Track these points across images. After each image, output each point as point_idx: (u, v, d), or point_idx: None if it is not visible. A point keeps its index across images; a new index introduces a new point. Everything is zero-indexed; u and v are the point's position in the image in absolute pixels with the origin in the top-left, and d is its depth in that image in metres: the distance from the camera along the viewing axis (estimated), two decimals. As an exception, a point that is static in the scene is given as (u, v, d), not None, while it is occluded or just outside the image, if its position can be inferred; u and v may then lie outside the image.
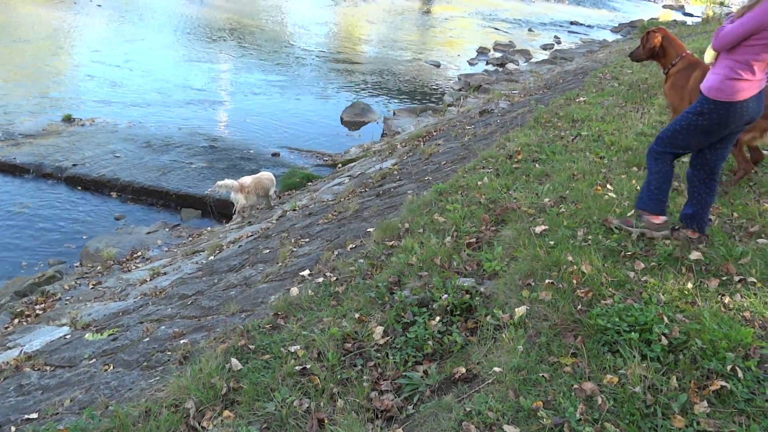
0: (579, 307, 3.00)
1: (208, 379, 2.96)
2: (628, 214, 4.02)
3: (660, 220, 3.78)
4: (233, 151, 12.02)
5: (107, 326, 5.08)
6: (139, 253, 8.41)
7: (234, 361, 3.11)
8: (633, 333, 2.75)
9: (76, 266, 8.39)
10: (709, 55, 3.59)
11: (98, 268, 8.06)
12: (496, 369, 2.65)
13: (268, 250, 5.66)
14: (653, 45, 4.99)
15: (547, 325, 2.94)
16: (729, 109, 3.41)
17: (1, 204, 9.82)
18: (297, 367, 2.98)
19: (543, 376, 2.59)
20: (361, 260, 4.05)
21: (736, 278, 3.36)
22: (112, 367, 3.83)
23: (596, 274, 3.32)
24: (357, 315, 3.41)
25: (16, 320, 6.81)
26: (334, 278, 3.96)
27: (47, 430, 2.72)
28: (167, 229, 9.31)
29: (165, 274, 6.76)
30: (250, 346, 3.24)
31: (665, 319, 2.85)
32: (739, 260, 3.54)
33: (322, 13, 28.17)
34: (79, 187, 10.46)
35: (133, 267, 7.96)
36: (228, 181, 8.99)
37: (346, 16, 28.26)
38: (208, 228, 9.38)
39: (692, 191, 3.80)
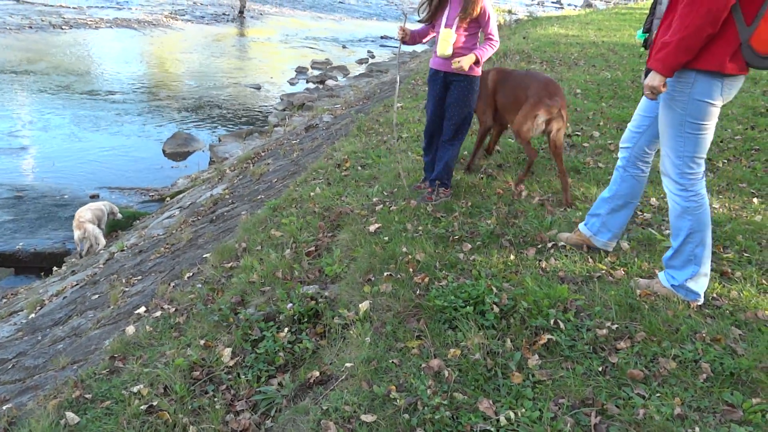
0: (418, 292, 3.15)
1: (40, 440, 2.67)
2: (428, 191, 4.54)
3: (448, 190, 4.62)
4: (44, 199, 10.96)
5: None
6: (-58, 327, 7.35)
7: (69, 414, 2.83)
8: (468, 307, 2.94)
9: None
10: (446, 48, 4.26)
11: None
12: (348, 364, 2.70)
13: (97, 296, 5.24)
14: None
15: (391, 315, 3.05)
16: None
17: None
18: (142, 407, 2.79)
19: (393, 362, 2.68)
20: (200, 286, 3.90)
21: (549, 245, 3.73)
22: None
23: (430, 259, 3.51)
24: (202, 341, 3.27)
25: None
26: (173, 309, 3.77)
27: None
28: (-25, 295, 8.24)
29: (-23, 343, 5.98)
30: (87, 396, 2.98)
31: (494, 289, 3.08)
32: (549, 229, 3.94)
33: (129, 45, 26.73)
34: None
35: (-64, 343, 6.94)
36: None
37: (156, 46, 27.08)
38: (25, 286, 8.45)
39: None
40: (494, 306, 2.97)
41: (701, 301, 3.08)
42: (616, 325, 2.85)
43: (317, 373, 2.80)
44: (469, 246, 3.72)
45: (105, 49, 26.11)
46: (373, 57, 27.77)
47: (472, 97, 4.46)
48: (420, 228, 4.00)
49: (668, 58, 2.75)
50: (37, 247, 9.37)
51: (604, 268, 3.43)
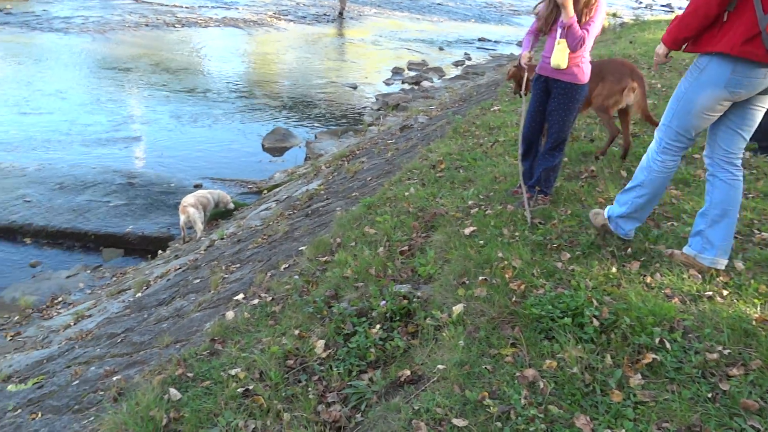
0: (513, 299, 3.09)
1: (146, 412, 2.83)
2: (526, 197, 4.41)
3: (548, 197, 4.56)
4: (153, 186, 11.65)
5: (31, 375, 4.78)
6: (60, 299, 7.98)
7: (173, 390, 2.99)
8: (566, 318, 2.85)
9: (-10, 319, 7.86)
10: (562, 60, 4.12)
11: (15, 318, 7.58)
12: (440, 366, 2.69)
13: (198, 280, 5.51)
14: (510, 76, 5.92)
15: (485, 320, 3.01)
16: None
17: None
18: (239, 390, 2.91)
19: (486, 368, 2.64)
20: (296, 277, 4.01)
21: (655, 259, 3.55)
22: (40, 415, 3.60)
23: (526, 266, 3.43)
24: (297, 332, 3.36)
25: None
26: (270, 298, 3.90)
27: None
28: (89, 271, 8.88)
29: (90, 316, 6.44)
30: (189, 375, 3.14)
31: (594, 302, 2.97)
32: (656, 243, 3.75)
33: (234, 43, 27.94)
34: (-13, 237, 9.84)
35: (55, 313, 7.54)
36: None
37: (260, 44, 28.18)
38: (133, 266, 9.02)
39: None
40: (594, 319, 2.86)
41: (629, 236, 3.64)
42: (729, 350, 2.66)
43: (408, 372, 2.81)
44: (568, 255, 3.60)
45: (212, 46, 27.43)
46: (469, 59, 27.56)
47: (574, 106, 4.31)
48: (516, 234, 3.92)
49: (672, 32, 3.15)
50: (144, 231, 9.98)
51: (716, 288, 3.22)
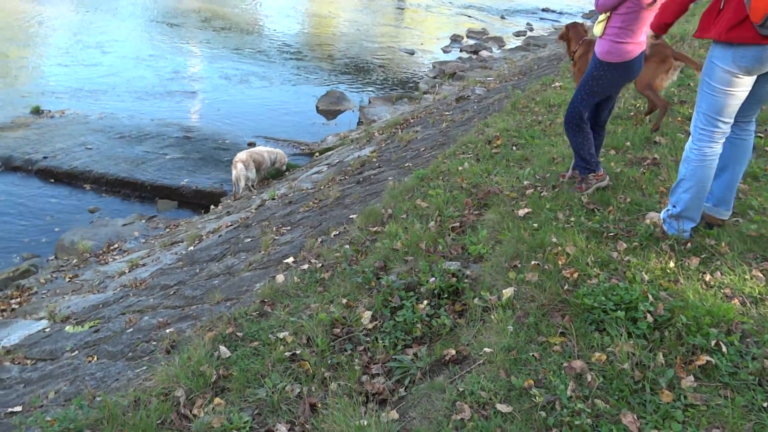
0: (566, 287, 3.04)
1: (197, 366, 2.93)
2: (576, 184, 4.33)
3: (600, 174, 4.30)
4: (208, 141, 11.88)
5: (87, 318, 5.01)
6: (116, 245, 8.29)
7: (222, 348, 3.09)
8: (619, 311, 2.79)
9: (51, 260, 8.24)
10: (597, 29, 3.98)
11: (74, 261, 7.92)
12: (487, 349, 2.68)
13: (249, 239, 5.62)
14: (561, 37, 5.74)
15: (535, 306, 2.97)
16: (620, 69, 3.96)
17: (-31, 199, 9.58)
18: (287, 353, 2.97)
19: (533, 355, 2.62)
20: (347, 246, 4.04)
21: (715, 256, 3.43)
22: (96, 359, 3.78)
23: (581, 254, 3.37)
24: (344, 300, 3.41)
25: (-8, 316, 6.67)
26: (320, 265, 3.95)
27: (35, 421, 2.67)
28: (143, 221, 9.18)
29: (144, 265, 6.67)
30: (238, 334, 3.23)
31: (650, 297, 2.90)
32: (717, 240, 3.62)
33: (291, 3, 27.90)
34: (51, 180, 10.25)
35: (110, 259, 7.84)
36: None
37: (319, 4, 28.04)
38: (185, 219, 9.27)
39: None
40: (648, 315, 2.79)
41: (686, 234, 3.54)
42: (789, 359, 2.57)
43: (453, 352, 2.81)
44: (624, 245, 3.51)
45: (269, 5, 27.45)
46: (531, 30, 26.84)
47: (586, 79, 4.09)
48: (572, 219, 3.84)
49: (656, 17, 3.58)
50: (198, 185, 10.22)
51: (779, 291, 3.10)
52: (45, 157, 10.51)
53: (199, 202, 10.02)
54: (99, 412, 2.67)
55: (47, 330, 5.12)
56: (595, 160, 4.29)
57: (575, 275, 3.16)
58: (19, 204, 9.51)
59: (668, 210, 3.60)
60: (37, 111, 12.36)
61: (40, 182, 10.22)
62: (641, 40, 3.92)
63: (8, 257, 8.38)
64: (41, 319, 5.78)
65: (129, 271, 6.58)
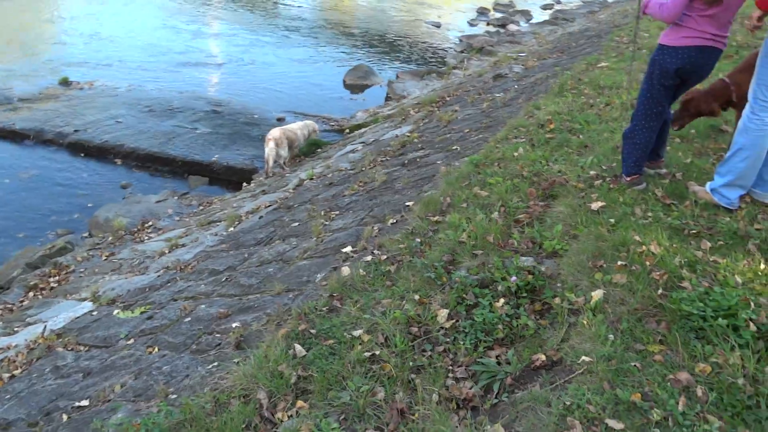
0: (660, 291, 2.90)
1: (275, 366, 2.84)
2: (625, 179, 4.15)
3: (637, 177, 4.11)
4: (237, 116, 11.74)
5: (135, 303, 4.95)
6: (150, 223, 8.23)
7: (298, 347, 2.99)
8: (720, 319, 2.65)
9: (86, 237, 8.21)
10: None
11: (109, 238, 7.88)
12: (585, 358, 2.56)
13: (296, 223, 5.51)
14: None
15: (626, 310, 2.84)
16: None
17: (1, 171, 9.54)
18: (365, 354, 2.87)
19: (635, 365, 2.50)
20: (418, 240, 3.91)
21: (807, 258, 3.27)
22: (157, 350, 3.71)
23: (666, 254, 3.21)
24: (416, 296, 3.29)
25: (31, 294, 6.66)
26: (384, 257, 3.83)
27: (120, 426, 2.60)
28: (176, 198, 9.11)
29: (183, 246, 6.60)
30: (311, 331, 3.13)
31: (751, 303, 2.75)
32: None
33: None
34: (82, 154, 10.19)
35: (146, 237, 7.79)
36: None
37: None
38: (218, 196, 9.18)
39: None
40: (750, 323, 2.65)
41: (734, 205, 3.68)
42: None
43: (543, 357, 2.69)
44: (709, 244, 3.35)
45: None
46: (559, 2, 26.24)
47: (648, 72, 3.92)
48: (649, 214, 3.68)
49: None
50: (229, 161, 10.11)
51: None
52: (76, 131, 10.43)
53: (230, 178, 9.93)
54: (181, 414, 2.59)
55: (94, 313, 5.07)
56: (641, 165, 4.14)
57: (665, 277, 3.02)
58: (52, 179, 9.47)
59: (715, 182, 3.74)
60: (65, 82, 12.26)
61: (71, 156, 10.17)
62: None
63: (42, 233, 8.37)
64: (84, 300, 5.74)
65: (169, 252, 6.51)
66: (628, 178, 4.09)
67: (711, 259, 3.23)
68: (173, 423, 2.54)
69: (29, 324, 5.55)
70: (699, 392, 2.34)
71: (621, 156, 4.20)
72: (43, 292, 6.69)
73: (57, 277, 6.95)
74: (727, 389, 2.36)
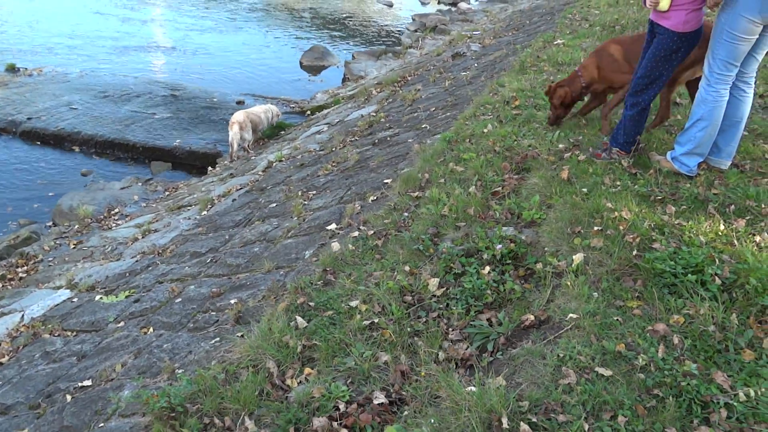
0: (634, 252, 3.15)
1: (279, 337, 2.97)
2: (600, 149, 4.44)
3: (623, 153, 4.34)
4: (196, 100, 11.60)
5: (117, 288, 4.97)
6: (117, 210, 8.14)
7: (299, 318, 3.13)
8: (689, 275, 2.92)
9: (50, 226, 8.06)
10: (664, 3, 3.89)
11: (76, 227, 7.77)
12: (572, 315, 2.78)
13: (274, 204, 5.59)
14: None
15: (605, 271, 3.08)
16: (695, 37, 3.99)
17: (-48, 163, 9.23)
18: (365, 322, 3.03)
19: (617, 319, 2.74)
20: (406, 214, 4.07)
21: (761, 217, 3.57)
22: (152, 330, 3.78)
23: (637, 219, 3.47)
24: (407, 268, 3.46)
25: (0, 285, 6.54)
26: (371, 232, 3.98)
27: (139, 398, 2.69)
28: (141, 184, 9.01)
29: (156, 231, 6.60)
30: (310, 303, 3.27)
31: (716, 260, 3.03)
32: (758, 200, 3.76)
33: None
34: (38, 142, 9.93)
35: (113, 224, 7.72)
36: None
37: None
38: (184, 181, 9.13)
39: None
40: (716, 277, 2.93)
41: (693, 172, 4.00)
42: None
43: (532, 317, 2.91)
44: (673, 209, 3.63)
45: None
46: (507, -19, 26.50)
47: (664, 54, 4.08)
48: (618, 183, 3.93)
49: None
50: (192, 146, 10.02)
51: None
52: (29, 119, 10.14)
53: (193, 163, 9.86)
54: (195, 386, 2.70)
55: (75, 300, 5.06)
56: (634, 142, 4.30)
57: (637, 240, 3.27)
58: (7, 169, 9.22)
59: (675, 151, 4.06)
60: (12, 69, 11.86)
61: (26, 145, 9.90)
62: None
63: (3, 224, 8.17)
64: (59, 287, 5.70)
65: (143, 237, 6.50)
66: (623, 152, 4.29)
67: (677, 222, 3.50)
68: (189, 393, 2.65)
69: (3, 314, 5.49)
70: (675, 340, 2.60)
71: (617, 132, 4.33)
72: (12, 282, 6.59)
73: (25, 267, 6.85)
74: (700, 336, 2.62)
